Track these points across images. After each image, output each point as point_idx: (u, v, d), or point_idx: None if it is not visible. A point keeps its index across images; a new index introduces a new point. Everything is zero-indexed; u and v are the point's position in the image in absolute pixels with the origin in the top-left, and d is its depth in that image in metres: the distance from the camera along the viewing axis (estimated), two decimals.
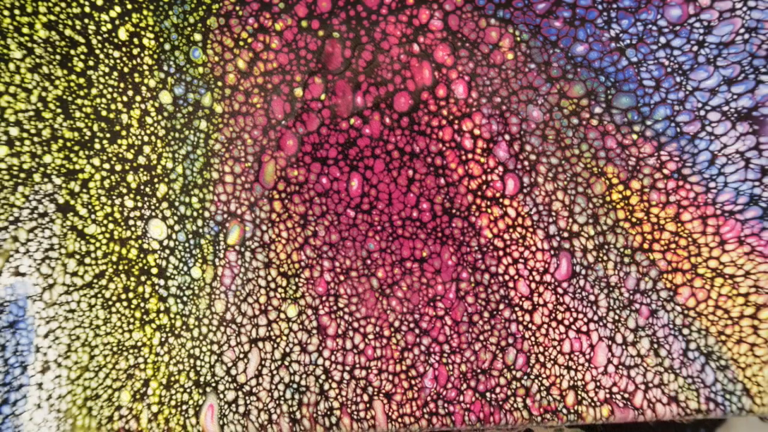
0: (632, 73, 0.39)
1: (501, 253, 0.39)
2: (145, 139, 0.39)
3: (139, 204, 0.39)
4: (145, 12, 0.39)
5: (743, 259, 0.38)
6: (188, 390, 0.39)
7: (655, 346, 0.39)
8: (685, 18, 0.38)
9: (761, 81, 0.38)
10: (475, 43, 0.39)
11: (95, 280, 0.39)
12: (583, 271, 0.39)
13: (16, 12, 0.39)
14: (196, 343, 0.39)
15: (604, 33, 0.39)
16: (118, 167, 0.39)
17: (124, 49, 0.39)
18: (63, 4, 0.39)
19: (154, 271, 0.39)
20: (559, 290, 0.39)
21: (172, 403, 0.39)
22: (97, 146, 0.39)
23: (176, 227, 0.39)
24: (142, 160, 0.39)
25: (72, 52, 0.39)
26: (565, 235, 0.39)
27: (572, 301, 0.39)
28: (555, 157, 0.39)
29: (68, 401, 0.39)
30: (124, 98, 0.39)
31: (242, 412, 0.39)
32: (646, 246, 0.39)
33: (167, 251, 0.39)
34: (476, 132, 0.39)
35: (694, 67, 0.38)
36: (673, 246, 0.39)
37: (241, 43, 0.39)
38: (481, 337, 0.39)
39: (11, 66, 0.39)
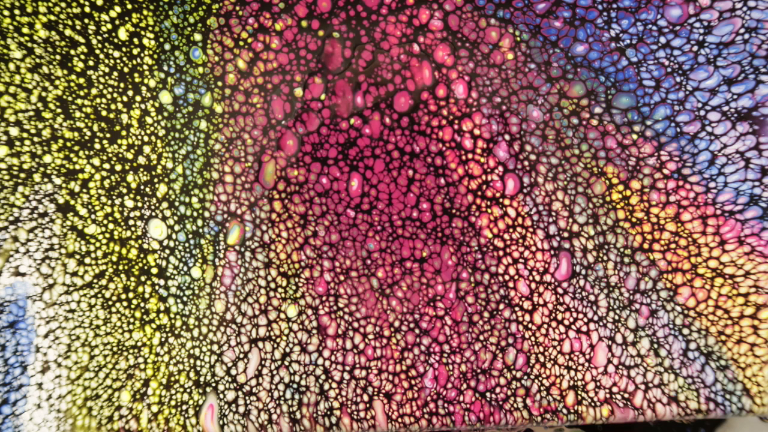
0: (632, 73, 0.39)
1: (501, 253, 0.39)
2: (145, 139, 0.39)
3: (139, 204, 0.39)
4: (145, 12, 0.39)
5: (743, 259, 0.38)
6: (188, 390, 0.39)
7: (655, 346, 0.39)
8: (685, 18, 0.38)
9: (761, 81, 0.38)
10: (475, 43, 0.39)
11: (95, 280, 0.39)
12: (583, 271, 0.39)
13: (16, 12, 0.39)
14: (196, 343, 0.39)
15: (604, 33, 0.39)
16: (118, 167, 0.39)
17: (124, 49, 0.39)
18: (63, 4, 0.39)
19: (154, 271, 0.39)
20: (559, 290, 0.39)
21: (172, 403, 0.39)
22: (97, 146, 0.39)
23: (176, 227, 0.39)
24: (142, 160, 0.39)
25: (72, 52, 0.39)
26: (565, 235, 0.39)
27: (572, 301, 0.39)
28: (555, 157, 0.39)
29: (68, 401, 0.39)
30: (124, 98, 0.39)
31: (242, 412, 0.39)
32: (646, 246, 0.39)
33: (167, 251, 0.39)
34: (476, 132, 0.39)
35: (694, 67, 0.38)
36: (673, 246, 0.39)
37: (241, 43, 0.39)
38: (481, 337, 0.39)
39: (11, 66, 0.39)
